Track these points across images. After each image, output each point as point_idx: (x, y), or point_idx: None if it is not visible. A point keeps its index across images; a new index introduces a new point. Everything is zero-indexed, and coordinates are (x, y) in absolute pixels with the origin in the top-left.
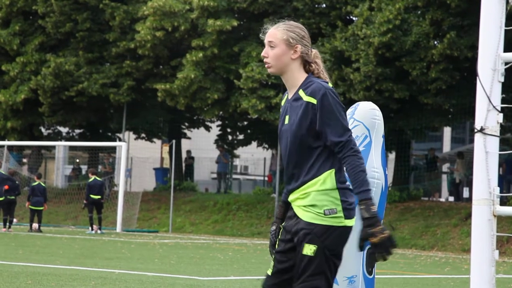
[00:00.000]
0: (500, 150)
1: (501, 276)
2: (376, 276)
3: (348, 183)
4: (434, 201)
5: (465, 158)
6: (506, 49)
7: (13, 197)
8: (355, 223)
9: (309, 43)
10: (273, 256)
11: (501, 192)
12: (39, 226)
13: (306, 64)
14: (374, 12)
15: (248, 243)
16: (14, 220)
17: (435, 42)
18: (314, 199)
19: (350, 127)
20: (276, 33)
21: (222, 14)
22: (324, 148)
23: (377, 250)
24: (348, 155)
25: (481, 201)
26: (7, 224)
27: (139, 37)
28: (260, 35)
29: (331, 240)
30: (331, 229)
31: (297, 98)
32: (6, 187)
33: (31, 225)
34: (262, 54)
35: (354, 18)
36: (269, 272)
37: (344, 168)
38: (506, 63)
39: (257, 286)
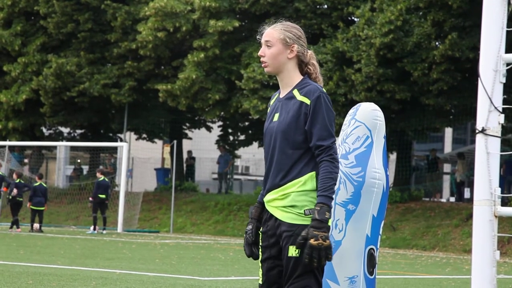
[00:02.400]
0: (501, 151)
1: (502, 276)
2: (377, 277)
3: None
4: (435, 201)
5: (466, 159)
6: (508, 50)
7: (21, 199)
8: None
9: (305, 44)
10: (260, 263)
11: (502, 192)
12: (40, 226)
13: (301, 64)
14: (375, 13)
15: None
16: None
17: (437, 43)
18: (293, 200)
19: (351, 127)
20: (273, 32)
21: (224, 15)
22: (308, 150)
23: (310, 253)
24: (325, 159)
25: (482, 201)
26: (13, 225)
27: (141, 38)
28: (257, 36)
29: None
30: None
31: (290, 97)
32: (4, 189)
33: (32, 225)
34: (259, 53)
35: (355, 19)
36: (261, 281)
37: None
38: (507, 64)
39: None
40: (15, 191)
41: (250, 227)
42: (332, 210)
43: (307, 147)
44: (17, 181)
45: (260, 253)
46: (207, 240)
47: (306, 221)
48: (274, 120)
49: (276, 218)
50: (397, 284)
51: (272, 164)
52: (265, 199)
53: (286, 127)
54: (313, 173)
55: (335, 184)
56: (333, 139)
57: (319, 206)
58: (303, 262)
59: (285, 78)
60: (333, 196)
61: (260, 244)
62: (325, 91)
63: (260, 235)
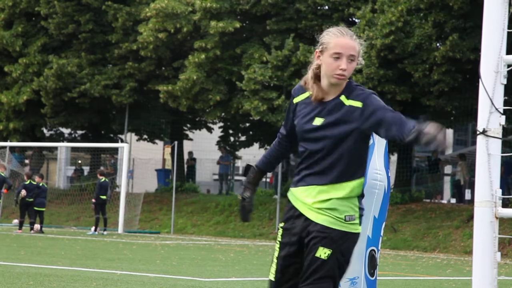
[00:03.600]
0: (501, 152)
1: (503, 278)
2: (378, 278)
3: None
4: (436, 203)
5: (467, 160)
6: (509, 52)
7: (31, 200)
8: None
9: None
10: (275, 259)
11: (502, 194)
12: (41, 227)
13: None
14: (376, 14)
15: (249, 245)
16: (15, 220)
17: (438, 44)
18: (335, 203)
19: None
20: (355, 46)
21: (225, 16)
22: (355, 156)
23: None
24: (403, 121)
25: (483, 203)
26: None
27: (142, 39)
28: (322, 38)
29: (347, 245)
30: (348, 235)
31: (337, 103)
32: (5, 190)
33: (32, 226)
34: (343, 66)
35: (356, 20)
36: (272, 277)
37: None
38: (508, 65)
39: (259, 287)
40: (23, 192)
41: (248, 194)
42: None
43: (354, 154)
44: (27, 182)
45: (277, 248)
46: (208, 241)
47: (344, 227)
48: (315, 124)
49: (307, 218)
50: (397, 286)
51: (314, 165)
52: (298, 196)
53: (334, 132)
54: (362, 178)
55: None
56: (398, 112)
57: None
58: (328, 267)
59: (339, 85)
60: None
61: (279, 239)
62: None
63: (280, 231)
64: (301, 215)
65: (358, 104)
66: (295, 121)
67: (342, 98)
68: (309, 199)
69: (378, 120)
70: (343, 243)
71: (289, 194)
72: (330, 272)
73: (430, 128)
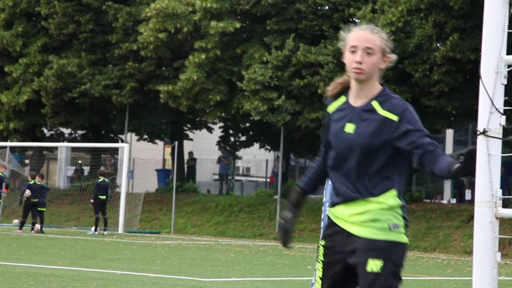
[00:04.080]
0: (502, 152)
1: (503, 278)
2: None
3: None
4: (436, 203)
5: None
6: (509, 52)
7: (36, 200)
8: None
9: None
10: (319, 279)
11: (503, 194)
12: (41, 227)
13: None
14: (377, 14)
15: (250, 245)
16: (15, 220)
17: (438, 45)
18: (376, 214)
19: None
20: (374, 39)
21: (225, 16)
22: (389, 166)
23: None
24: (438, 151)
25: (483, 203)
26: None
27: (142, 39)
28: (342, 34)
29: (398, 254)
30: (395, 244)
31: (369, 109)
32: (5, 190)
33: (33, 226)
34: (358, 59)
35: (357, 20)
36: None
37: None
38: (509, 66)
39: (259, 287)
40: (27, 192)
41: (290, 214)
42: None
43: (389, 164)
44: (32, 182)
45: (320, 268)
46: (208, 241)
47: (390, 235)
48: (347, 131)
49: (349, 234)
50: None
51: (348, 177)
52: (335, 212)
53: (367, 142)
54: (397, 189)
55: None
56: (430, 138)
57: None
58: (383, 279)
59: (367, 88)
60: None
61: (322, 259)
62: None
63: (322, 249)
64: (342, 230)
65: (394, 117)
66: (330, 130)
67: (375, 104)
68: (347, 213)
69: (412, 144)
70: (393, 252)
71: (328, 212)
72: (388, 284)
73: (467, 160)
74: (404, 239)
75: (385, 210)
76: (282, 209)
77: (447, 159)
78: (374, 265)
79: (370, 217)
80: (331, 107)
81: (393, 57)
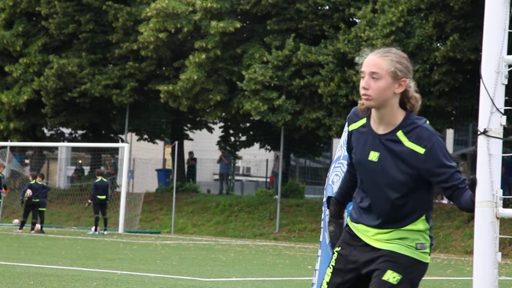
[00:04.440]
0: (502, 152)
1: (504, 278)
2: None
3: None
4: (436, 203)
5: (469, 160)
6: (510, 52)
7: (37, 200)
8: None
9: (412, 76)
10: (325, 285)
11: (504, 194)
12: (41, 227)
13: (404, 98)
14: (377, 14)
15: (250, 245)
16: (16, 220)
17: (438, 45)
18: (405, 233)
19: None
20: (382, 63)
21: (225, 16)
22: (422, 193)
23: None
24: (466, 189)
25: (484, 203)
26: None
27: (142, 39)
28: (357, 59)
29: (417, 274)
30: (418, 263)
31: (394, 139)
32: (5, 190)
33: (33, 226)
34: (363, 85)
35: (357, 20)
36: None
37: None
38: (509, 66)
39: (259, 287)
40: (29, 192)
41: (332, 228)
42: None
43: (419, 193)
44: (33, 182)
45: (329, 273)
46: (208, 241)
47: (416, 254)
48: (371, 159)
49: (373, 248)
50: None
51: (373, 204)
52: (358, 227)
53: (392, 174)
54: (425, 215)
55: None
56: (459, 173)
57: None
58: None
59: (387, 114)
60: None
61: (333, 264)
62: (432, 128)
63: (335, 255)
64: (364, 243)
65: (420, 150)
66: (352, 150)
67: (400, 135)
68: (373, 232)
69: (442, 182)
70: (413, 271)
71: (349, 222)
72: None
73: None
74: (427, 259)
75: (413, 232)
76: (328, 225)
77: (469, 192)
78: (391, 276)
79: (398, 236)
80: (353, 126)
81: (409, 81)
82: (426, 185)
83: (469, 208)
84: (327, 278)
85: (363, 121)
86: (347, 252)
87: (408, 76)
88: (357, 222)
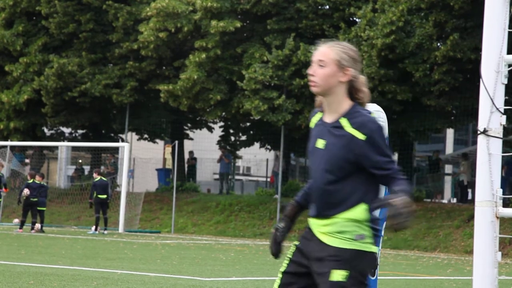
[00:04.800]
0: (502, 152)
1: (504, 278)
2: (378, 278)
3: (376, 213)
4: (436, 202)
5: (469, 160)
6: (510, 51)
7: (35, 199)
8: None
9: (360, 68)
10: (280, 274)
11: (503, 194)
12: (41, 226)
13: (352, 89)
14: (377, 14)
15: (250, 244)
16: (16, 220)
17: (438, 44)
18: (343, 226)
19: None
20: (328, 52)
21: (225, 15)
22: (357, 181)
23: (400, 209)
24: (397, 178)
25: (484, 202)
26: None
27: (142, 38)
28: (313, 52)
29: (362, 264)
30: (361, 253)
31: (338, 126)
32: (5, 190)
33: (33, 226)
34: (310, 72)
35: (357, 20)
36: None
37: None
38: (509, 65)
39: (259, 287)
40: (26, 191)
41: (282, 224)
42: None
43: (356, 179)
44: (31, 181)
45: (285, 264)
46: (208, 240)
47: (355, 245)
48: (318, 147)
49: (321, 242)
50: (398, 285)
51: (318, 191)
52: (313, 222)
53: (333, 159)
54: (364, 204)
55: (409, 193)
56: (395, 163)
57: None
58: (346, 287)
59: (333, 103)
60: (407, 192)
61: (289, 256)
62: (374, 116)
63: (293, 248)
64: (316, 238)
65: (361, 136)
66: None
67: (343, 121)
68: (318, 224)
69: (375, 164)
70: (359, 262)
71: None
72: None
73: (399, 201)
74: (371, 248)
75: (351, 222)
76: (279, 220)
77: (402, 182)
78: (339, 275)
79: (338, 228)
80: (312, 123)
81: (352, 71)
82: (365, 173)
83: (377, 208)
84: (282, 268)
85: (319, 115)
86: (303, 247)
87: (354, 67)
88: (309, 216)
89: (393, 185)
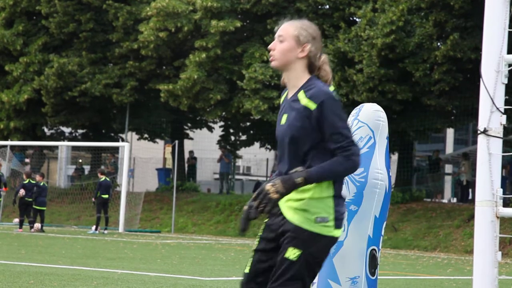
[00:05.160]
0: (503, 152)
1: (504, 277)
2: (378, 277)
3: (343, 192)
4: (436, 202)
5: (470, 159)
6: (510, 51)
7: (30, 199)
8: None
9: (319, 46)
10: (252, 252)
11: (504, 193)
12: (41, 226)
13: (312, 67)
14: (377, 14)
15: (250, 244)
16: (16, 219)
17: (438, 44)
18: (307, 204)
19: (354, 128)
20: (288, 28)
21: (225, 15)
22: (322, 154)
23: (258, 193)
24: (340, 155)
25: (484, 202)
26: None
27: (142, 38)
28: (275, 29)
29: (317, 247)
30: (318, 237)
31: (295, 99)
32: (4, 189)
33: (32, 225)
34: (270, 46)
35: (357, 20)
36: (247, 270)
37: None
38: (509, 65)
39: None
40: (21, 191)
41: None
42: None
43: (320, 152)
44: (26, 181)
45: (256, 242)
46: (209, 240)
47: (315, 228)
48: (282, 123)
49: (284, 217)
50: (398, 285)
51: (286, 164)
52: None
53: (293, 132)
54: (329, 182)
55: (332, 177)
56: (348, 139)
57: (302, 172)
58: (296, 268)
59: (292, 78)
60: (322, 179)
61: (260, 233)
62: (332, 89)
63: (263, 226)
64: (280, 213)
65: (312, 106)
66: None
67: (300, 95)
68: (285, 198)
69: (325, 137)
70: (313, 245)
71: None
72: (299, 274)
73: (268, 186)
74: (329, 232)
75: (315, 201)
76: (251, 200)
77: (340, 159)
78: (292, 253)
79: (302, 206)
80: (280, 100)
81: (309, 46)
82: (327, 147)
83: (318, 176)
84: (254, 246)
85: (286, 93)
86: (271, 222)
87: (312, 43)
88: None
89: (321, 162)
